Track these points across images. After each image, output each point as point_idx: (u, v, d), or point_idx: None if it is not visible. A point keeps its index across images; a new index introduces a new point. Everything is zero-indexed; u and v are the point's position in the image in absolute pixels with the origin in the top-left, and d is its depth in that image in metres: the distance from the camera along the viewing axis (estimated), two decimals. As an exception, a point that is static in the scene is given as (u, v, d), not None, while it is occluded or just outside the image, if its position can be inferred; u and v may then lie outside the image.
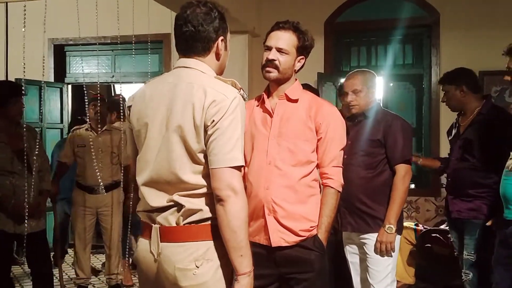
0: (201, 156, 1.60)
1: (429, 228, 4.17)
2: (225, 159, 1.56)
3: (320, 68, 5.03)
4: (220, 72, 1.78)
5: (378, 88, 3.00)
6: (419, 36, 5.08)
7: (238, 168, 1.59)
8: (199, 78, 1.65)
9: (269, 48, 2.14)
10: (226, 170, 1.56)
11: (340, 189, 2.19)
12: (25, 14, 3.17)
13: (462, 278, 2.99)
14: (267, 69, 2.13)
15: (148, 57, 4.71)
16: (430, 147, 4.89)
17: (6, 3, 6.01)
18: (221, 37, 1.70)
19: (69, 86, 6.16)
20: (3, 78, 5.71)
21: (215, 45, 1.70)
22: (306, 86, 3.22)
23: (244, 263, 1.59)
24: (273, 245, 2.09)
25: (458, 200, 2.98)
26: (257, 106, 2.25)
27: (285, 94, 2.17)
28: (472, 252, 2.89)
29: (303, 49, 2.16)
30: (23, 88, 3.18)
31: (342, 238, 2.93)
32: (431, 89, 4.87)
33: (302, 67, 2.21)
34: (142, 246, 1.72)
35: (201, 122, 1.57)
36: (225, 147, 1.57)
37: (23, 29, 3.10)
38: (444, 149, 4.17)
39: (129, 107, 1.76)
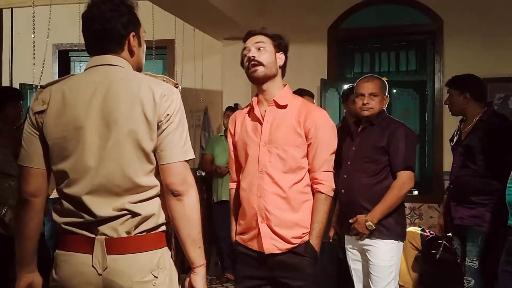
0: (152, 155, 1.56)
1: (435, 234, 4.15)
2: (181, 153, 1.55)
3: (324, 75, 5.04)
4: (137, 69, 1.70)
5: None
6: (423, 43, 5.09)
7: (189, 161, 1.60)
8: (133, 75, 1.60)
9: (247, 49, 2.15)
10: (181, 164, 1.55)
11: (331, 194, 2.16)
12: (34, 20, 3.20)
13: (464, 285, 2.97)
14: (253, 68, 2.12)
15: (152, 62, 4.73)
16: (433, 153, 4.89)
17: (12, 8, 6.05)
18: (132, 33, 1.62)
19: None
20: (7, 83, 5.73)
21: (127, 41, 1.61)
22: (299, 91, 3.25)
23: (201, 254, 1.60)
24: (266, 252, 2.11)
25: (461, 206, 2.97)
26: (247, 113, 2.26)
27: (274, 100, 2.17)
28: (474, 259, 2.88)
29: (279, 45, 2.18)
30: (21, 92, 3.23)
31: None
32: (434, 96, 4.88)
33: (285, 66, 2.21)
34: (75, 260, 1.53)
35: (154, 117, 1.51)
36: (180, 141, 1.56)
37: (32, 35, 3.14)
38: (447, 156, 4.17)
39: (41, 112, 1.56)
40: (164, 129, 1.53)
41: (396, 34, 5.03)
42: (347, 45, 5.30)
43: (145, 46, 1.74)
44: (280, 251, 2.10)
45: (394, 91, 5.13)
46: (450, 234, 3.29)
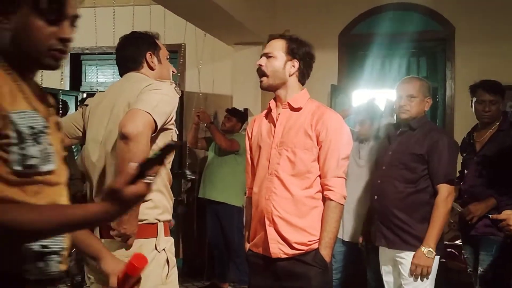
0: None
1: (444, 242, 4.09)
2: (144, 105, 1.70)
3: (334, 80, 5.03)
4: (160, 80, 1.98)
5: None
6: (434, 50, 5.07)
7: (152, 117, 1.69)
8: (141, 79, 1.92)
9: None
10: (141, 112, 1.68)
11: (342, 202, 2.08)
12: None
13: (476, 294, 2.94)
14: (260, 78, 2.18)
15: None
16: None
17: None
18: (149, 53, 1.97)
19: (84, 95, 6.21)
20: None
21: (144, 59, 1.97)
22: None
23: None
24: (273, 256, 2.08)
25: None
26: (264, 116, 2.26)
27: (288, 103, 2.15)
28: (488, 269, 2.83)
29: (293, 52, 2.13)
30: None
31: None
32: (445, 103, 4.85)
33: (302, 72, 2.17)
34: None
35: (132, 99, 1.78)
36: (147, 98, 1.73)
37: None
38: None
39: (86, 105, 2.04)
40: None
41: (407, 40, 5.00)
42: (357, 51, 5.29)
43: (167, 64, 2.06)
44: (286, 256, 2.07)
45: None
46: (457, 242, 3.25)
